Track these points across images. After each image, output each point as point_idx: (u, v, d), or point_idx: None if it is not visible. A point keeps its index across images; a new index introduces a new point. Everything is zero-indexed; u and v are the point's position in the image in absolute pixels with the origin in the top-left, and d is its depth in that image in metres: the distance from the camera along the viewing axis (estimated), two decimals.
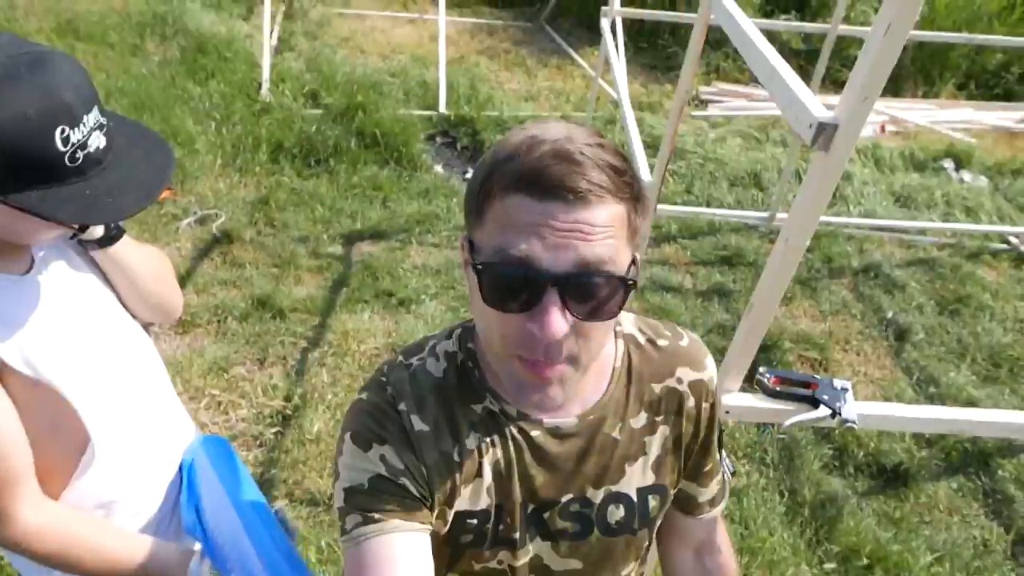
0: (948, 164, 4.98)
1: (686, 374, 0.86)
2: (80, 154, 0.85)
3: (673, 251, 3.87)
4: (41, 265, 1.00)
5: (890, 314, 3.53)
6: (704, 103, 5.72)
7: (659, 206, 4.08)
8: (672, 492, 0.89)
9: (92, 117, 0.86)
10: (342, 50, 5.79)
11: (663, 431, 0.86)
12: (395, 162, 4.28)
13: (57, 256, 1.04)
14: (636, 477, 0.85)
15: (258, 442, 2.43)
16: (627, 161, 0.69)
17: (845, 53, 5.82)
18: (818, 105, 0.87)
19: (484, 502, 0.80)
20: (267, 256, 3.42)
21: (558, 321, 0.65)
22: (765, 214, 4.19)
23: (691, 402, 0.87)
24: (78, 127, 0.83)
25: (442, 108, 4.95)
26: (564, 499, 0.83)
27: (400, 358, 0.83)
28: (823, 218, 4.23)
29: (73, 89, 0.84)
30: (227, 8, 6.09)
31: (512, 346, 0.69)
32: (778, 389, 1.12)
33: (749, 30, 1.14)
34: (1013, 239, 4.19)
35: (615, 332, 0.86)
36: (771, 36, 6.01)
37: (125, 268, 1.11)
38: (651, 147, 4.15)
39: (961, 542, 2.44)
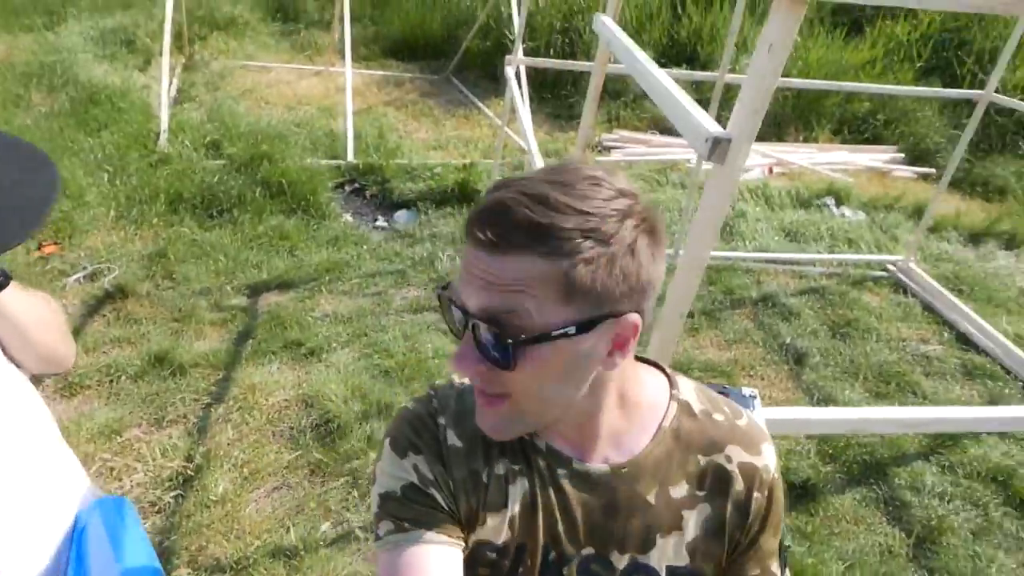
0: (829, 201, 5.37)
1: (737, 453, 0.81)
2: None
3: None
4: None
5: (788, 340, 3.72)
6: (607, 149, 5.96)
7: None
8: None
9: None
10: (245, 101, 5.71)
11: (703, 510, 0.80)
12: (302, 211, 4.21)
13: None
14: (668, 553, 0.79)
15: (155, 508, 2.27)
16: (583, 217, 0.65)
17: (733, 100, 6.23)
18: (712, 123, 0.93)
19: (505, 536, 0.78)
20: (165, 311, 3.26)
21: (466, 356, 0.69)
22: (669, 251, 4.36)
23: (740, 486, 0.80)
24: None
25: (350, 157, 4.94)
26: (584, 552, 0.78)
27: (453, 378, 0.85)
28: (722, 253, 4.47)
29: None
30: (121, 59, 5.91)
31: None
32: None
33: (648, 65, 1.20)
34: (890, 267, 4.53)
35: (671, 394, 0.83)
36: None
37: (10, 316, 1.03)
38: None
39: (868, 549, 2.55)
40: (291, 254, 3.86)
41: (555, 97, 6.59)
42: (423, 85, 6.80)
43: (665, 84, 1.05)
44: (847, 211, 5.31)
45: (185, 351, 2.97)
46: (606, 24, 1.47)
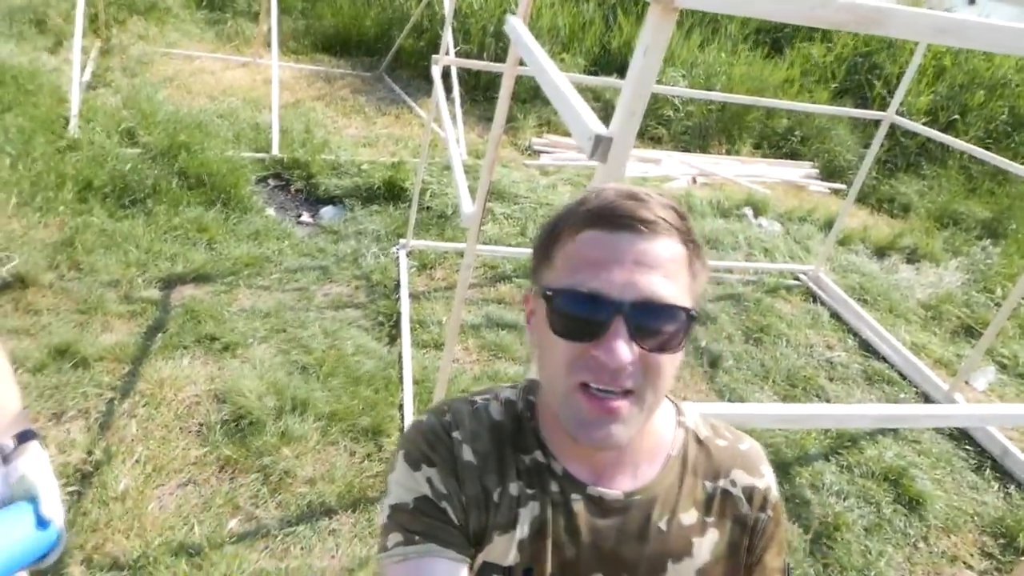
0: (748, 211, 5.59)
1: (740, 477, 0.83)
2: None
3: (508, 290, 3.99)
4: None
5: (704, 343, 3.85)
6: (537, 153, 6.03)
7: (494, 247, 4.22)
8: None
9: None
10: (165, 89, 5.50)
11: (712, 536, 0.81)
12: (222, 203, 4.09)
13: None
14: None
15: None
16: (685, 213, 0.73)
17: (660, 111, 6.43)
18: (597, 122, 0.97)
19: (513, 558, 0.76)
20: (70, 302, 3.10)
21: (623, 348, 0.66)
22: None
23: (745, 508, 0.82)
24: None
25: (275, 151, 4.82)
26: None
27: (467, 395, 0.84)
28: None
29: None
30: (30, 39, 5.59)
31: (578, 371, 0.69)
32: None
33: (546, 65, 1.23)
34: (802, 276, 4.76)
35: (677, 422, 0.84)
36: (596, 95, 6.52)
37: None
38: (491, 193, 4.29)
39: None
40: (209, 247, 3.74)
41: (487, 99, 6.63)
42: (355, 82, 6.71)
43: (559, 84, 1.09)
44: (764, 221, 5.55)
45: (89, 344, 2.83)
46: (514, 25, 1.50)
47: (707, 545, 0.81)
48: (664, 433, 0.83)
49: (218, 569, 2.06)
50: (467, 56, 6.27)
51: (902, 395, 3.74)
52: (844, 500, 2.91)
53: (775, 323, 4.15)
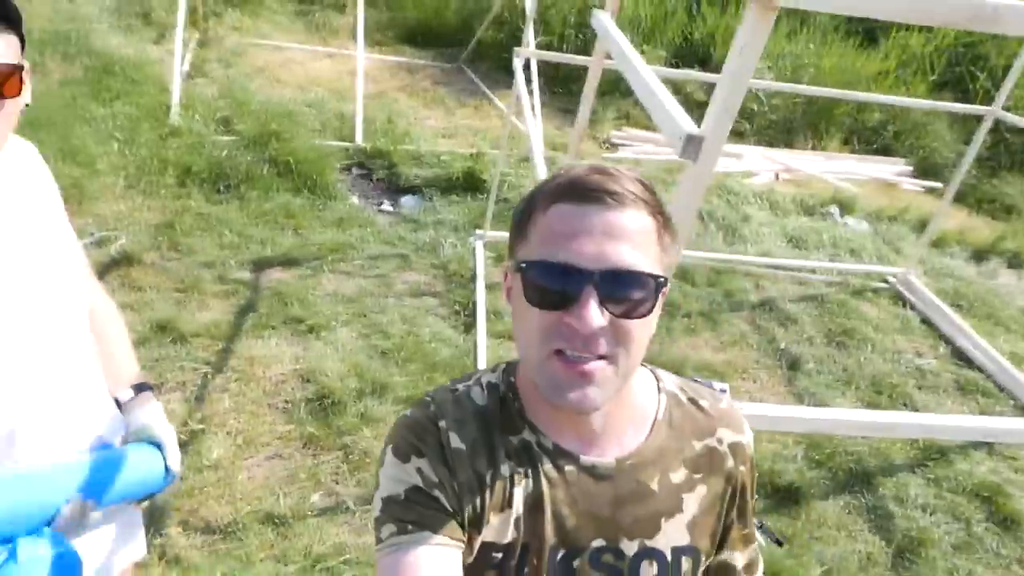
0: (834, 210, 5.39)
1: (727, 435, 0.87)
2: None
3: None
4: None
5: (784, 345, 3.75)
6: (614, 146, 5.98)
7: None
8: (705, 558, 0.87)
9: None
10: (257, 79, 5.73)
11: (701, 491, 0.85)
12: (309, 191, 4.25)
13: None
14: (671, 535, 0.84)
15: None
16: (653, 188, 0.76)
17: (743, 105, 6.24)
18: (688, 121, 0.96)
19: (511, 535, 0.79)
20: (169, 280, 3.30)
21: (595, 314, 0.69)
22: None
23: (730, 463, 0.87)
24: None
25: (359, 140, 4.96)
26: (595, 544, 0.81)
27: (448, 383, 0.87)
28: (723, 256, 4.49)
29: None
30: (137, 32, 5.94)
31: (552, 339, 0.72)
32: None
33: (635, 61, 1.23)
34: (891, 278, 4.55)
35: (658, 388, 0.88)
36: (676, 87, 6.40)
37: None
38: None
39: (848, 555, 2.58)
40: (296, 232, 3.89)
41: (567, 92, 6.60)
42: (436, 73, 6.81)
43: (649, 81, 1.08)
44: (851, 220, 5.33)
45: (188, 320, 3.01)
46: (602, 20, 1.50)
47: (695, 499, 0.85)
48: (647, 400, 0.86)
49: (301, 540, 2.16)
50: (547, 48, 6.27)
51: (998, 408, 3.54)
52: (931, 515, 2.78)
53: (860, 326, 3.99)
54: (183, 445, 2.43)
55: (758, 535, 0.95)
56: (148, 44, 5.80)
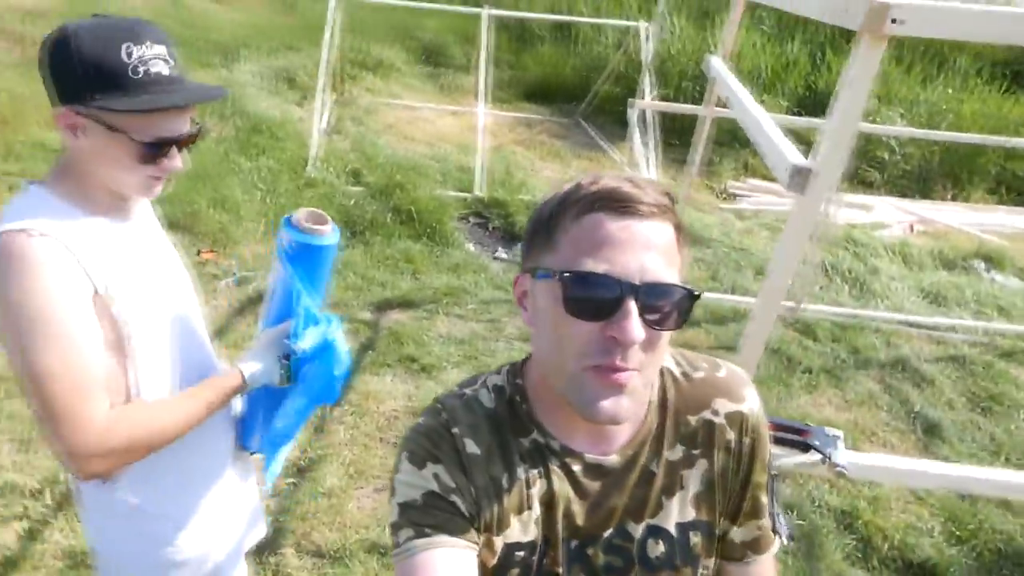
0: (979, 264, 4.96)
1: (723, 405, 0.86)
2: (141, 69, 1.01)
3: (694, 335, 3.89)
4: (138, 219, 1.20)
5: (919, 408, 3.45)
6: (733, 197, 5.86)
7: None
8: (717, 530, 0.87)
9: (158, 48, 1.04)
10: (386, 135, 6.14)
11: (701, 465, 0.85)
12: (428, 237, 4.46)
13: (149, 219, 1.25)
14: (675, 512, 0.84)
15: (273, 491, 2.46)
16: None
17: (873, 153, 5.96)
18: (796, 153, 0.95)
19: (532, 533, 0.81)
20: None
21: (636, 325, 0.70)
22: (791, 304, 4.20)
23: (730, 435, 0.86)
24: (141, 46, 1.01)
25: (477, 191, 5.17)
26: (606, 534, 0.83)
27: (455, 389, 0.88)
28: (850, 310, 4.24)
29: (143, 24, 1.03)
30: (282, 94, 6.55)
31: (590, 355, 0.72)
32: (770, 434, 1.14)
33: (744, 99, 1.24)
34: None
35: None
36: (799, 137, 6.22)
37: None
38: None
39: None
40: (415, 277, 4.08)
41: (684, 144, 6.55)
42: (553, 127, 7.01)
43: (758, 117, 1.08)
44: (999, 276, 4.89)
45: None
46: (714, 64, 1.51)
47: (696, 475, 0.85)
48: None
49: None
50: (665, 100, 6.30)
51: None
52: None
53: (1010, 391, 3.61)
54: (301, 471, 2.58)
55: (778, 521, 0.90)
56: (292, 105, 6.38)
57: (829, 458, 1.12)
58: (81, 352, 1.02)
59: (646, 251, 0.71)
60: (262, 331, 1.30)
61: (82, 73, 0.99)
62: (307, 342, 1.23)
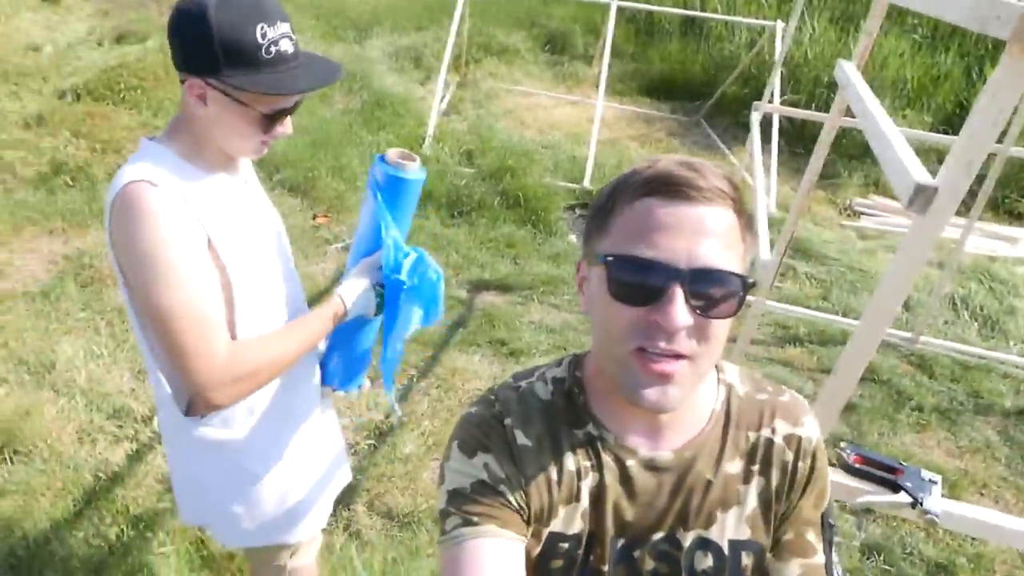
0: None
1: (781, 427, 0.85)
2: (273, 49, 1.09)
3: (798, 354, 3.71)
4: (242, 176, 1.28)
5: None
6: (857, 214, 5.51)
7: (789, 306, 3.94)
8: (768, 555, 0.85)
9: (284, 27, 1.11)
10: (504, 120, 6.20)
11: (758, 483, 0.84)
12: (532, 224, 4.47)
13: (251, 175, 1.34)
14: (730, 527, 0.83)
15: (352, 450, 2.57)
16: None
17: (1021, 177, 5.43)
18: (921, 171, 0.88)
19: (578, 526, 0.81)
20: None
21: (682, 311, 0.68)
22: (909, 334, 3.91)
23: (787, 456, 0.84)
24: (273, 27, 1.09)
25: (587, 182, 5.13)
26: (655, 537, 0.82)
27: (510, 380, 0.89)
28: (975, 350, 3.89)
29: (272, 5, 1.10)
30: (408, 73, 6.75)
31: (635, 337, 0.71)
32: (857, 467, 1.07)
33: (873, 110, 1.15)
34: None
35: (718, 379, 0.87)
36: (938, 156, 5.75)
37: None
38: (796, 250, 4.05)
39: None
40: (514, 262, 4.11)
41: (809, 152, 6.23)
42: (672, 125, 6.84)
43: (885, 129, 1.00)
44: None
45: None
46: (845, 69, 1.41)
47: (754, 492, 0.83)
48: (707, 391, 0.85)
49: None
50: (794, 106, 6.00)
51: None
52: None
53: None
54: (382, 434, 2.67)
55: (835, 571, 0.86)
56: (415, 84, 6.56)
57: (920, 503, 1.03)
58: (202, 292, 1.10)
59: (697, 237, 0.69)
60: (352, 264, 1.36)
61: (220, 50, 1.06)
62: (405, 272, 1.29)
